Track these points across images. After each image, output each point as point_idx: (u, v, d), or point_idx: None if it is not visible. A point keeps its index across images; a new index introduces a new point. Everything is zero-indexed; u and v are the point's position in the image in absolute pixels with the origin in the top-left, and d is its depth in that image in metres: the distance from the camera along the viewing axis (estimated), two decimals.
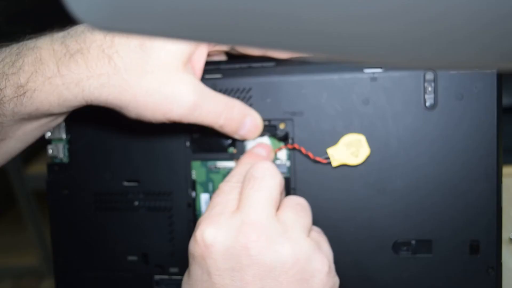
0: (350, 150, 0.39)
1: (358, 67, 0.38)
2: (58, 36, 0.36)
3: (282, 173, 0.40)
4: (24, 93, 0.34)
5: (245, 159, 0.39)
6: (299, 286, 0.33)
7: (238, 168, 0.38)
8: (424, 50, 0.16)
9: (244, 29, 0.16)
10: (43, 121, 0.38)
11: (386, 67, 0.38)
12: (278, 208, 0.36)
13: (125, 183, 0.43)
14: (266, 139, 0.41)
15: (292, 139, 0.40)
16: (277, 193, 0.36)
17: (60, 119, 0.40)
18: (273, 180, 0.36)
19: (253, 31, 0.16)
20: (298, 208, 0.36)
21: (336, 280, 0.36)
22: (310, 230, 0.37)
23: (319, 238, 0.37)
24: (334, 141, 0.39)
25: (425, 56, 0.17)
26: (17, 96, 0.34)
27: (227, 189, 0.36)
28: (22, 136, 0.38)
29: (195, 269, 0.34)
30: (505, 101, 0.70)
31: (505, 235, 0.53)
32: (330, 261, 0.35)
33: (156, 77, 0.35)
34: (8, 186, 1.25)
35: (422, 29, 0.15)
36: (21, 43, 0.36)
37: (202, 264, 0.34)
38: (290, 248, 0.33)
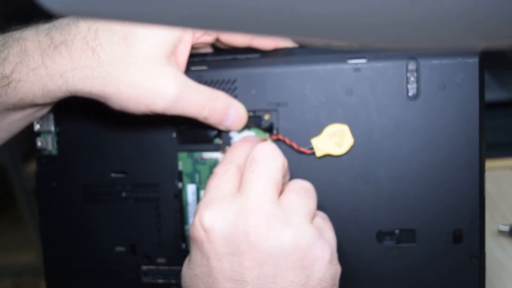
0: (333, 140, 0.39)
1: (341, 57, 0.39)
2: (44, 27, 0.36)
3: None
4: (9, 83, 0.35)
5: (237, 144, 0.39)
6: (298, 273, 0.33)
7: (229, 151, 0.39)
8: (407, 31, 0.16)
9: (228, 14, 0.16)
10: (28, 111, 0.38)
11: (370, 50, 0.38)
12: (281, 192, 0.36)
13: (113, 175, 0.43)
14: (251, 133, 0.41)
15: (277, 130, 0.40)
16: (279, 176, 0.35)
17: (46, 110, 0.40)
18: (275, 163, 0.35)
19: (238, 15, 0.16)
20: (302, 193, 0.36)
21: (337, 269, 0.36)
22: (313, 216, 0.36)
23: (323, 224, 0.37)
24: (318, 131, 0.39)
25: (409, 38, 0.17)
26: (1, 87, 0.35)
27: (221, 171, 0.37)
28: (7, 126, 0.39)
29: (195, 253, 0.35)
30: (496, 95, 0.70)
31: (494, 226, 0.54)
32: (332, 249, 0.35)
33: (139, 69, 0.36)
34: (7, 184, 1.25)
35: (406, 9, 0.15)
36: (6, 34, 0.36)
37: (201, 248, 0.34)
38: (291, 234, 0.33)
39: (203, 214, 0.34)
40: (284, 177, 0.37)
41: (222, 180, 0.36)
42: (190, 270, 0.35)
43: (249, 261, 0.33)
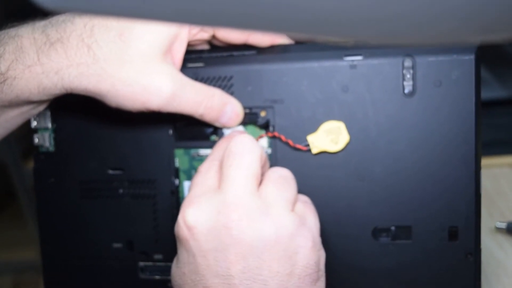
0: (329, 137, 0.39)
1: (337, 54, 0.39)
2: (39, 25, 0.36)
3: None
4: (5, 80, 0.35)
5: (221, 141, 0.40)
6: (283, 263, 0.34)
7: (214, 148, 0.39)
8: (403, 26, 0.16)
9: (224, 10, 0.16)
10: (24, 108, 0.39)
11: (366, 47, 0.38)
12: (260, 182, 0.36)
13: (110, 171, 0.43)
14: (240, 128, 0.41)
15: (273, 127, 0.40)
16: (257, 168, 0.36)
17: (42, 107, 0.40)
18: (252, 155, 0.36)
19: (234, 12, 0.16)
20: (281, 181, 0.36)
21: (321, 254, 0.36)
22: (294, 203, 0.36)
23: (305, 209, 0.37)
24: (314, 128, 0.39)
25: (405, 33, 0.17)
26: None
27: (204, 169, 0.37)
28: (4, 123, 0.39)
29: (181, 252, 0.35)
30: (496, 93, 0.70)
31: (492, 224, 0.54)
32: (314, 235, 0.35)
33: (134, 67, 0.36)
34: (8, 181, 1.25)
35: (402, 4, 0.15)
36: (2, 31, 0.36)
37: (187, 246, 0.35)
38: (272, 225, 0.34)
39: (186, 212, 0.34)
40: (263, 167, 0.37)
41: (205, 177, 0.36)
42: (179, 269, 0.36)
43: (233, 255, 0.33)
